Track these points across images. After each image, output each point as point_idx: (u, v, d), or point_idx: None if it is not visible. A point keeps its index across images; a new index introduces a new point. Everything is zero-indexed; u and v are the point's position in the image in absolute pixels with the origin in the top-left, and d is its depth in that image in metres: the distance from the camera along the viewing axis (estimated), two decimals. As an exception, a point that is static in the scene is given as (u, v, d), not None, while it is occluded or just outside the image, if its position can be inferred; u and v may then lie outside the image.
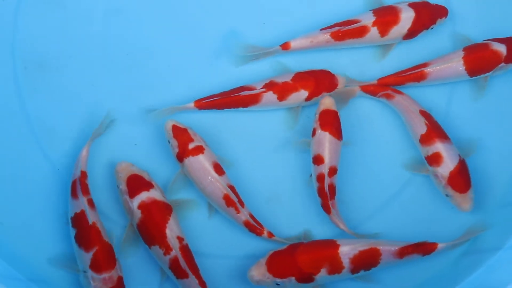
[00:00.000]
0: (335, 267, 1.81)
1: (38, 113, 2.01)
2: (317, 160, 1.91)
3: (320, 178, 1.90)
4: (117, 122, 2.00)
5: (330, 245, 1.83)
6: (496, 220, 1.92)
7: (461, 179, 1.89)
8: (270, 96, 1.96)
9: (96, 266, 1.80)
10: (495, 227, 1.90)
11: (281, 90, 1.97)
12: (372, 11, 2.03)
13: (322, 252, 1.83)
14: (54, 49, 2.04)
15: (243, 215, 1.89)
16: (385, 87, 2.00)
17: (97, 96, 2.02)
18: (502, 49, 2.00)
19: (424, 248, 1.85)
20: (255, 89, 1.97)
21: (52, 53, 2.04)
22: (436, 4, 2.06)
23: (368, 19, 2.01)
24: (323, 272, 1.81)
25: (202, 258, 1.88)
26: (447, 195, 1.90)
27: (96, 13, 2.07)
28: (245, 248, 1.93)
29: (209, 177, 1.89)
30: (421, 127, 1.93)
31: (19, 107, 2.01)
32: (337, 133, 1.93)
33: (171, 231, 1.84)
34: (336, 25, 2.02)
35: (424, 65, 2.01)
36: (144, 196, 1.86)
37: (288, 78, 1.98)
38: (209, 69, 2.05)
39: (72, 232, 1.84)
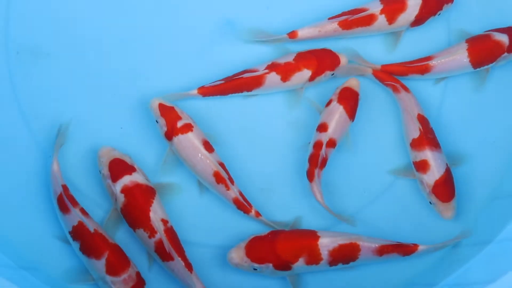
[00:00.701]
0: (314, 258, 1.81)
1: (29, 98, 2.01)
2: (321, 127, 1.92)
3: (317, 145, 1.90)
4: (103, 107, 1.99)
5: (311, 236, 1.83)
6: (477, 223, 1.93)
7: (445, 188, 1.89)
8: (273, 77, 1.95)
9: (113, 270, 1.80)
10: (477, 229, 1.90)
11: (284, 70, 1.96)
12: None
13: (302, 241, 1.82)
14: (47, 35, 2.05)
15: (233, 192, 1.88)
16: (396, 79, 1.98)
17: (89, 82, 2.02)
18: (504, 39, 1.99)
19: (404, 249, 1.84)
20: (258, 71, 1.95)
21: (45, 39, 2.04)
22: None
23: (375, 7, 2.00)
24: (301, 262, 1.80)
25: (187, 246, 1.87)
26: (430, 202, 1.90)
27: (90, 0, 2.07)
28: (231, 237, 1.91)
29: (199, 154, 1.88)
30: (415, 131, 1.91)
31: (11, 91, 2.01)
32: (351, 111, 1.93)
33: (155, 213, 1.84)
34: (343, 14, 2.01)
35: (429, 58, 2.00)
36: (126, 180, 1.86)
37: (290, 59, 1.97)
38: (207, 56, 2.04)
39: (75, 245, 1.83)
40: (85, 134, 1.98)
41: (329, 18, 2.01)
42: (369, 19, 2.00)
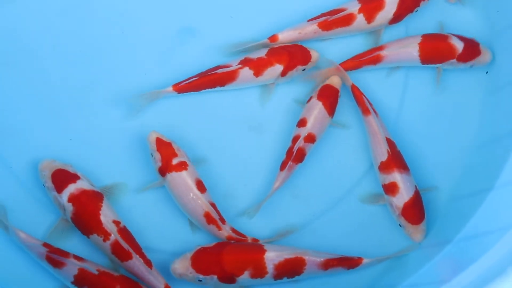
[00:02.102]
0: (259, 272, 1.81)
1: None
2: (300, 123, 1.94)
3: (295, 139, 1.93)
4: (56, 117, 1.99)
5: (257, 250, 1.83)
6: (436, 224, 1.94)
7: (414, 211, 1.89)
8: (246, 72, 1.97)
9: None
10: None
11: (257, 65, 1.97)
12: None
13: (248, 255, 1.82)
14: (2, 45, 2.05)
15: (225, 231, 1.88)
16: (367, 102, 1.97)
17: (44, 93, 2.02)
18: (459, 45, 2.00)
19: (349, 263, 1.85)
20: (231, 66, 1.97)
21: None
22: None
23: (353, 7, 2.02)
24: (245, 275, 1.80)
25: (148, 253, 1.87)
26: (400, 225, 1.90)
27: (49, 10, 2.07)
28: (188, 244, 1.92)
29: (191, 194, 1.88)
30: (383, 154, 1.91)
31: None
32: (330, 108, 1.95)
33: (106, 216, 1.84)
34: (322, 15, 2.02)
35: (380, 48, 2.01)
36: (72, 188, 1.85)
37: (262, 54, 1.99)
38: (167, 65, 2.05)
39: None
40: (38, 144, 1.97)
41: (309, 20, 2.02)
42: (348, 19, 2.01)
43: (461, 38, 2.02)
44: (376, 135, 1.93)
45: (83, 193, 1.85)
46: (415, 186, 1.90)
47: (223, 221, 1.88)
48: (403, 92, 2.06)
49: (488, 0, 2.06)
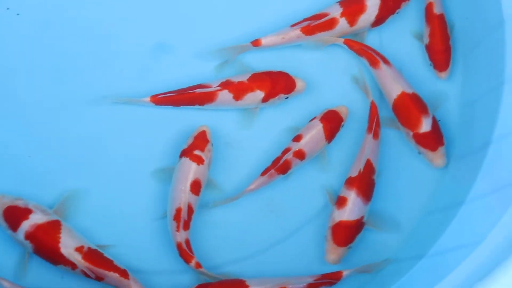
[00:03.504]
0: None
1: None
2: (296, 137, 1.96)
3: (285, 150, 1.94)
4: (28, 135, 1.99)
5: (240, 285, 1.83)
6: (410, 238, 1.95)
7: (342, 233, 1.87)
8: (225, 94, 1.96)
9: None
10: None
11: (237, 89, 1.96)
12: (338, 3, 2.04)
13: None
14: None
15: (180, 237, 1.86)
16: (373, 124, 1.96)
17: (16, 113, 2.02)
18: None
19: (330, 278, 1.85)
20: (211, 87, 1.96)
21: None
22: None
23: (336, 11, 2.02)
24: None
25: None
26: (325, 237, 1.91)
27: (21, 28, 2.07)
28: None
29: (183, 185, 1.88)
30: (355, 170, 1.92)
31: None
32: (329, 132, 1.96)
33: (67, 247, 1.82)
34: (305, 20, 2.03)
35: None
36: (26, 225, 1.82)
37: (244, 78, 1.98)
38: (142, 81, 2.04)
39: None
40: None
41: (292, 25, 2.03)
42: (331, 23, 2.02)
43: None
44: (362, 152, 1.93)
45: (38, 228, 1.82)
46: (362, 216, 1.89)
47: (185, 227, 1.86)
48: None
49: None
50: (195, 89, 1.96)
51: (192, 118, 2.01)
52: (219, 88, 1.95)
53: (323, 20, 2.02)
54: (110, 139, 2.01)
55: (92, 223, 1.94)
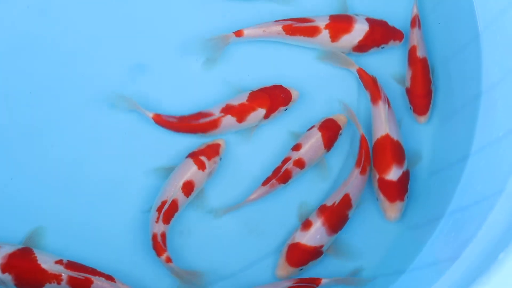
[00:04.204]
0: None
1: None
2: (295, 146, 1.96)
3: (285, 160, 1.95)
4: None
5: None
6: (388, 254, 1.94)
7: (295, 254, 1.87)
8: (229, 119, 1.97)
9: None
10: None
11: (239, 111, 1.97)
12: (329, 16, 2.05)
13: None
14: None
15: (157, 228, 1.86)
16: (362, 156, 1.94)
17: None
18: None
19: (309, 281, 1.85)
20: (213, 114, 1.96)
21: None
22: (393, 26, 2.06)
23: (322, 21, 2.03)
24: None
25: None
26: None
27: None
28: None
29: (176, 183, 1.90)
30: (331, 201, 1.90)
31: None
32: (328, 141, 1.97)
33: (46, 262, 1.82)
34: (291, 19, 2.03)
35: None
36: None
37: (243, 99, 1.98)
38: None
39: None
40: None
41: (276, 20, 2.03)
42: (313, 31, 2.02)
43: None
44: (344, 185, 1.92)
45: (11, 256, 1.82)
46: (322, 246, 1.87)
47: (165, 220, 1.87)
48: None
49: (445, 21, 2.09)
50: (198, 119, 1.96)
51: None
52: (222, 114, 1.96)
53: (306, 24, 2.02)
54: (89, 160, 2.01)
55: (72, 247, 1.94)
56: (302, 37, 2.03)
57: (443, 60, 2.05)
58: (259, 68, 2.08)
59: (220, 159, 1.96)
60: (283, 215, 1.98)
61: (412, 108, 2.02)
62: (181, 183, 1.90)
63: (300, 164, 1.94)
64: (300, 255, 1.87)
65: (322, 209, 1.90)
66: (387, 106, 1.97)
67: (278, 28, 2.02)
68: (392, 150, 1.93)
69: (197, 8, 2.10)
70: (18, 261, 1.81)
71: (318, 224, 1.88)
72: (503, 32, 1.80)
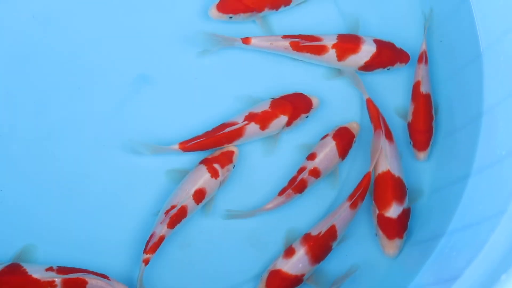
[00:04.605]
0: None
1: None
2: (310, 156, 1.97)
3: (301, 170, 1.95)
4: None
5: None
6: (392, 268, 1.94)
7: (276, 281, 1.86)
8: (252, 127, 1.98)
9: None
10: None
11: (262, 119, 1.98)
12: (337, 35, 2.05)
13: None
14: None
15: (159, 229, 1.87)
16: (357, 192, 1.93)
17: None
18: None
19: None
20: (237, 123, 1.97)
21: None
22: (400, 49, 2.07)
23: (330, 40, 2.04)
24: None
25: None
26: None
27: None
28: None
29: (188, 189, 1.90)
30: (318, 228, 1.89)
31: None
32: (342, 149, 1.98)
33: (37, 272, 1.82)
34: (300, 36, 2.04)
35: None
36: None
37: (266, 107, 2.00)
38: (124, 114, 2.05)
39: None
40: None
41: (284, 36, 2.04)
42: (320, 49, 2.03)
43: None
44: (332, 216, 1.90)
45: (0, 274, 1.81)
46: (303, 274, 1.86)
47: (170, 225, 1.87)
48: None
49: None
50: (224, 129, 1.97)
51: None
52: (246, 122, 1.98)
53: (314, 43, 2.03)
54: (92, 171, 2.01)
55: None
56: (309, 55, 2.04)
57: (445, 79, 2.07)
58: (264, 78, 2.09)
59: (234, 166, 1.97)
60: (285, 229, 1.98)
61: (412, 143, 2.01)
62: (193, 190, 1.91)
63: (315, 173, 1.95)
64: (280, 283, 1.86)
65: (307, 238, 1.89)
66: (389, 141, 1.96)
67: (286, 43, 2.03)
68: (392, 187, 1.92)
69: (203, 20, 2.11)
70: (9, 277, 1.81)
71: (301, 253, 1.87)
72: (505, 52, 1.81)
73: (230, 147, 1.99)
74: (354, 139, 2.01)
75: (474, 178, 1.81)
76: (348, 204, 1.91)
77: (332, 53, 2.03)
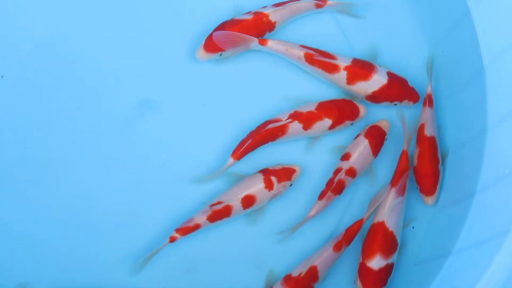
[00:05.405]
0: None
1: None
2: (344, 156, 1.98)
3: (337, 171, 1.96)
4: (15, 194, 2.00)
5: None
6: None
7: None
8: (296, 126, 1.99)
9: None
10: None
11: (306, 119, 1.99)
12: (353, 58, 2.04)
13: None
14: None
15: (198, 217, 1.91)
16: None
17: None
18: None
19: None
20: (281, 120, 1.98)
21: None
22: (412, 87, 2.05)
23: (344, 62, 2.03)
24: None
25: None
26: None
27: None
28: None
29: (239, 192, 1.94)
30: (297, 270, 1.89)
31: None
32: (375, 147, 1.99)
33: None
34: (317, 50, 2.03)
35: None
36: None
37: (312, 108, 2.01)
38: (127, 137, 2.06)
39: None
40: None
41: (301, 45, 2.03)
42: (332, 68, 2.02)
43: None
44: (312, 256, 1.89)
45: None
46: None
47: (211, 218, 1.90)
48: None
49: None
50: (267, 126, 1.98)
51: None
52: (290, 120, 1.99)
53: (328, 60, 2.02)
54: (96, 195, 2.02)
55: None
56: (320, 70, 2.03)
57: (449, 95, 2.05)
58: (271, 102, 2.09)
59: (291, 185, 1.98)
60: (290, 252, 1.99)
61: (418, 187, 1.97)
62: (243, 194, 1.93)
63: (351, 173, 1.96)
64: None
65: (287, 279, 1.88)
66: (397, 193, 1.92)
67: (300, 53, 2.02)
68: (382, 239, 1.88)
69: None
70: None
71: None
72: (507, 68, 1.80)
73: (293, 165, 2.00)
74: (386, 136, 2.01)
75: (479, 195, 1.80)
76: (331, 245, 1.89)
77: (343, 74, 2.02)
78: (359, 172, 1.97)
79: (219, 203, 1.91)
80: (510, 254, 1.55)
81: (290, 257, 1.98)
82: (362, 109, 2.03)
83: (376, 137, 1.99)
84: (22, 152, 2.04)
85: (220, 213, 1.91)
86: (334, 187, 1.93)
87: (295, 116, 1.99)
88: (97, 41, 2.10)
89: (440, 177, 1.96)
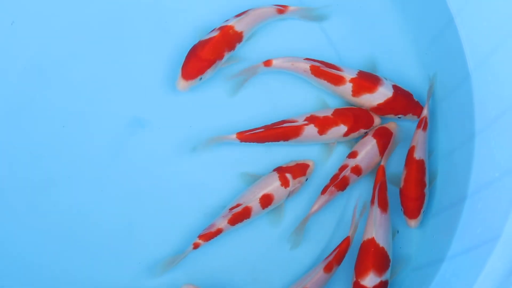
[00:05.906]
0: None
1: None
2: (351, 154, 2.00)
3: (343, 167, 1.97)
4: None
5: None
6: None
7: None
8: (311, 129, 2.00)
9: None
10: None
11: (322, 123, 2.00)
12: (358, 70, 2.05)
13: None
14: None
15: (219, 222, 1.91)
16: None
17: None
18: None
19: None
20: (297, 121, 1.99)
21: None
22: (417, 101, 2.06)
23: (349, 74, 2.04)
24: None
25: None
26: None
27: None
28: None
29: (256, 192, 1.94)
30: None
31: None
32: (382, 147, 2.00)
33: None
34: (321, 62, 2.04)
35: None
36: None
37: (329, 113, 2.02)
38: (119, 155, 2.06)
39: None
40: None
41: (306, 58, 2.05)
42: (338, 80, 2.03)
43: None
44: (304, 279, 1.88)
45: None
46: None
47: (232, 221, 1.90)
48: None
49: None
50: (282, 124, 1.98)
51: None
52: (306, 122, 1.99)
53: (333, 71, 2.03)
54: (91, 215, 2.03)
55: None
56: (325, 82, 2.04)
57: (439, 99, 2.06)
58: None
59: (306, 179, 1.99)
60: (287, 263, 1.99)
61: (403, 210, 1.95)
62: (260, 194, 1.94)
63: (357, 171, 1.97)
64: None
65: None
66: (383, 211, 1.91)
67: (306, 66, 2.03)
68: (373, 256, 1.86)
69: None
70: None
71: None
72: (493, 73, 1.82)
73: (307, 160, 2.01)
74: (392, 140, 2.02)
75: (470, 199, 1.81)
76: (322, 266, 1.88)
77: (348, 86, 2.03)
78: (365, 171, 1.99)
79: (238, 205, 1.92)
80: (502, 257, 1.56)
81: (288, 269, 1.99)
82: (376, 119, 2.05)
83: (384, 137, 2.01)
84: (14, 174, 2.04)
85: (240, 216, 1.91)
86: (338, 183, 1.94)
87: (311, 119, 2.00)
88: (85, 64, 2.11)
89: (425, 201, 1.95)
